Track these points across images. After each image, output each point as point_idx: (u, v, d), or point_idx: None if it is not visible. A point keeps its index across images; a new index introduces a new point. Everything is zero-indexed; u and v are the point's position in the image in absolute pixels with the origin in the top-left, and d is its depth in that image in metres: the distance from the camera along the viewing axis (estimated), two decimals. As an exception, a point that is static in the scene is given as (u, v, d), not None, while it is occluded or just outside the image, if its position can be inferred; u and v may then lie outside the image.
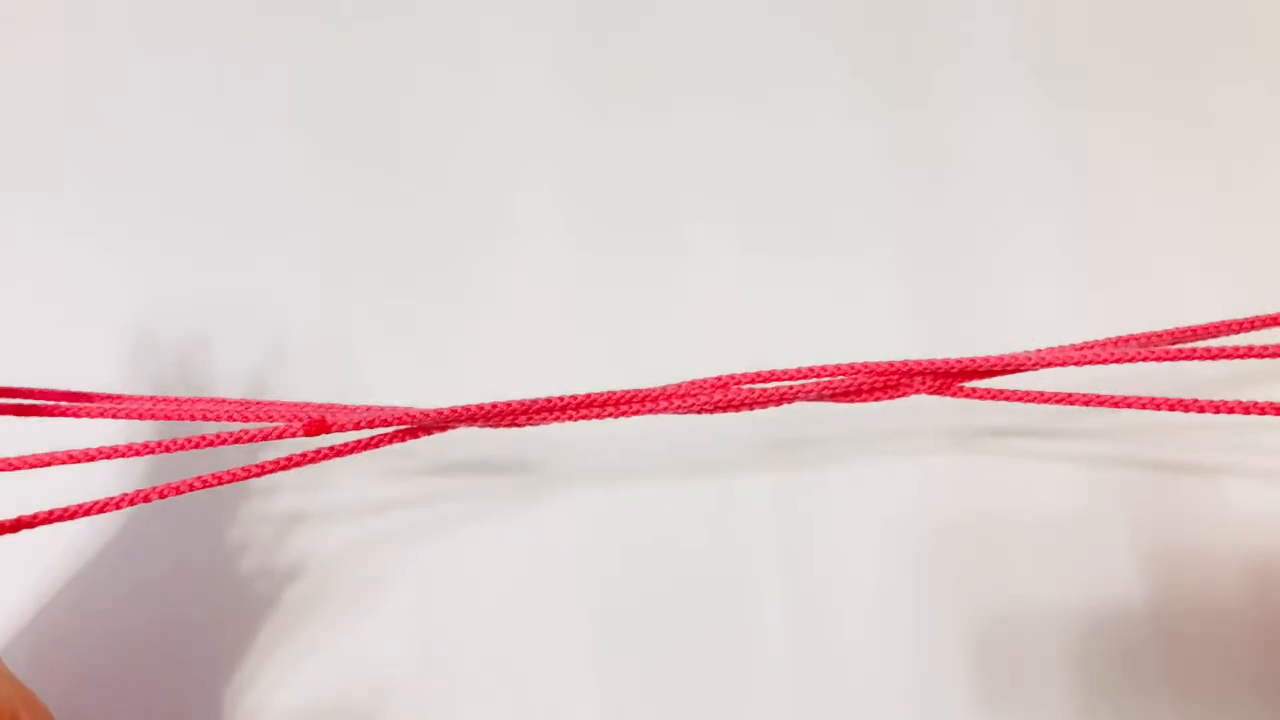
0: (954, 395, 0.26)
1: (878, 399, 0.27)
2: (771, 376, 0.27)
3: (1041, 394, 0.26)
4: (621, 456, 0.45)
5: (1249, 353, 0.25)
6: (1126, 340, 0.27)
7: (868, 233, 0.50)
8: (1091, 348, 0.25)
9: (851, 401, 0.27)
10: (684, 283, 0.50)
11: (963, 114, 0.53)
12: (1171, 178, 0.49)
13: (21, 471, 0.29)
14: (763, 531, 0.42)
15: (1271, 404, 0.26)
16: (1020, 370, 0.25)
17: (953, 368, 0.25)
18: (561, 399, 0.28)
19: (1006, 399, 0.25)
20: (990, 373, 0.25)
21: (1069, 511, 0.40)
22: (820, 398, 0.27)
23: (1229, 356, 0.25)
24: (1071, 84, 0.53)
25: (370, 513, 0.44)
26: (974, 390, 0.26)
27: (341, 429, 0.26)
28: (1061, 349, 0.25)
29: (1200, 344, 0.26)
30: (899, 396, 0.26)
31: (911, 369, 0.26)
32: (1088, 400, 0.25)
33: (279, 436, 0.26)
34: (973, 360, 0.24)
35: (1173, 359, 0.25)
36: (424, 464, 0.46)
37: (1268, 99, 0.51)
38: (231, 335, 0.49)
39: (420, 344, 0.50)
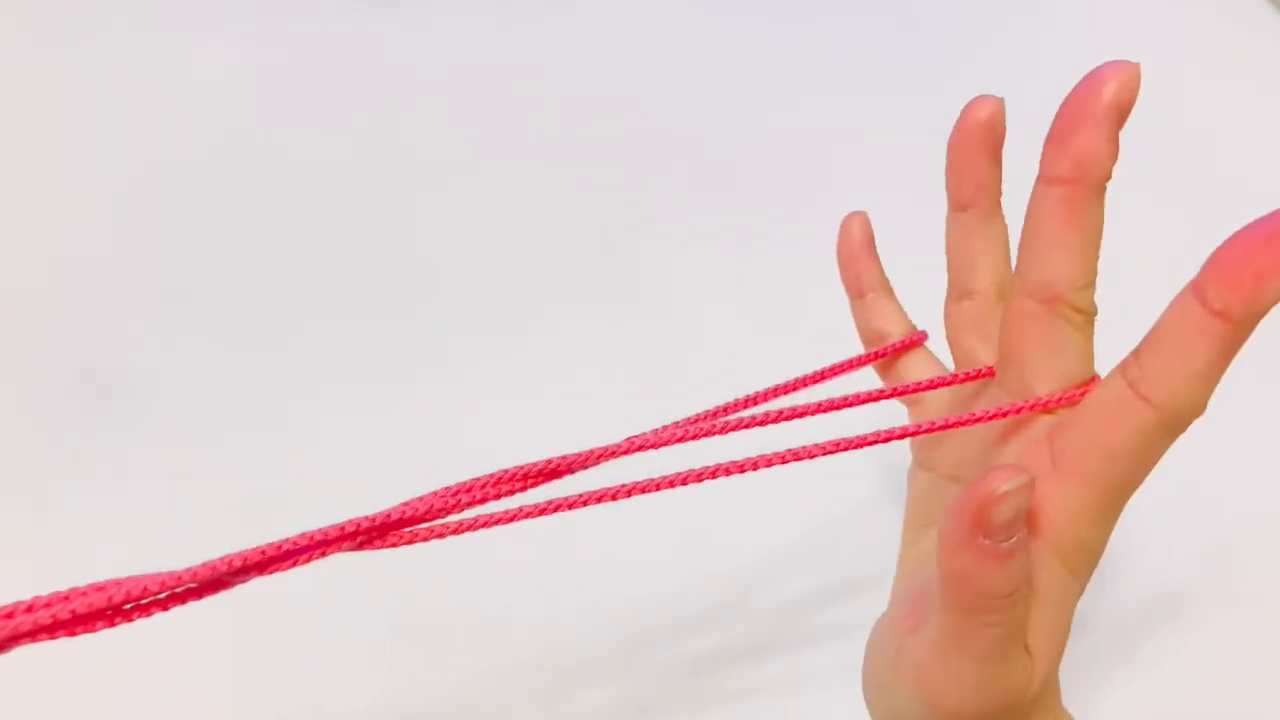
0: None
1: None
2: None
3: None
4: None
5: (793, 414, 0.25)
6: (678, 424, 0.25)
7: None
8: (643, 436, 0.24)
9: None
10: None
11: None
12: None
13: None
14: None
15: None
16: (577, 469, 0.23)
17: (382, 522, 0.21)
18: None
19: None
20: (538, 478, 0.23)
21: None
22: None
23: (760, 424, 0.25)
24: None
25: None
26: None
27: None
28: (624, 441, 0.23)
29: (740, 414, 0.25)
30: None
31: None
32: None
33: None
34: (521, 468, 0.22)
35: (719, 433, 0.25)
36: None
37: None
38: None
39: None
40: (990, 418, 0.25)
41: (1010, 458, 0.25)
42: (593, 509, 0.23)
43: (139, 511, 0.44)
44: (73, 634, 0.19)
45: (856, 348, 0.33)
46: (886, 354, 0.31)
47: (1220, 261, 0.21)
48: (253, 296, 0.53)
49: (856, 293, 0.32)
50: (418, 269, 0.55)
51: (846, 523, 0.45)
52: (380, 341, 0.51)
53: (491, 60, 0.66)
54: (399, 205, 0.58)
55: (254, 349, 0.51)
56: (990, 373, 0.27)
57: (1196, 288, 0.21)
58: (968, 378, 0.27)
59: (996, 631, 0.22)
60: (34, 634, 0.18)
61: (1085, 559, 0.24)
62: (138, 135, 0.61)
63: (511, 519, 0.23)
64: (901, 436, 0.25)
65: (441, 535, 0.22)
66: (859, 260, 0.32)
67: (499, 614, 0.42)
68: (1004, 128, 0.27)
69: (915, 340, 0.31)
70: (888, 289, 0.32)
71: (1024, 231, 0.25)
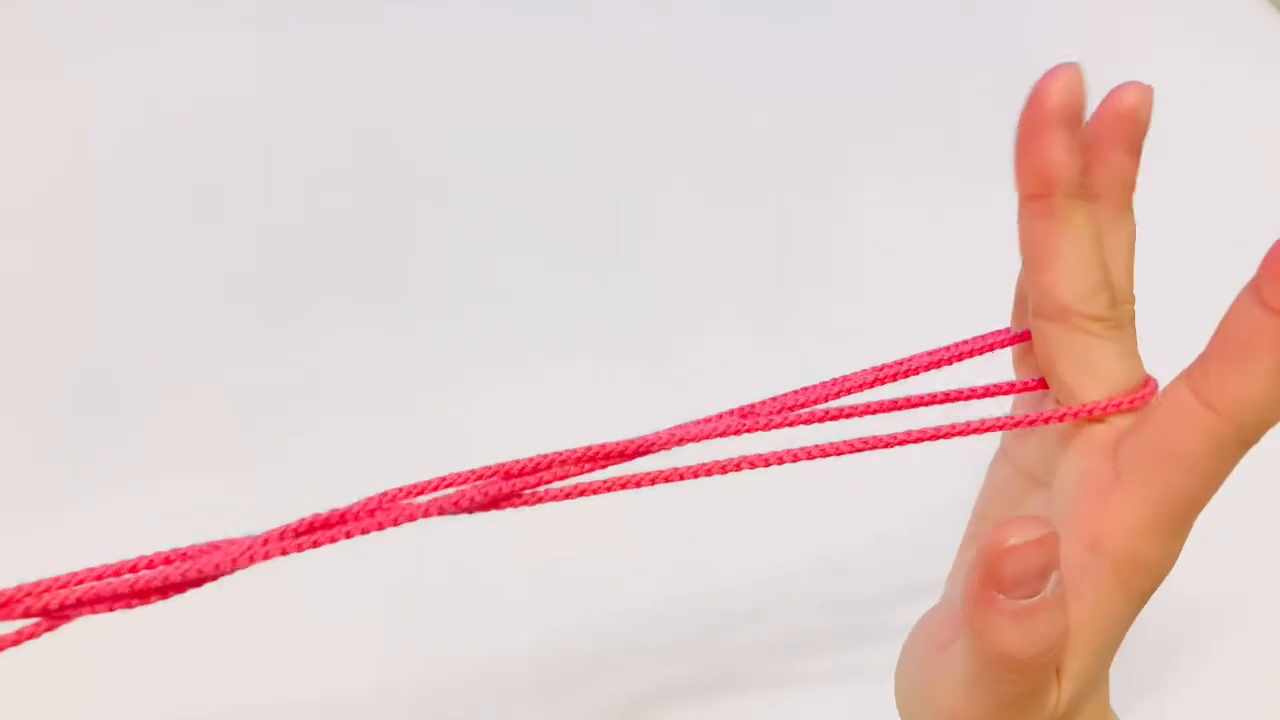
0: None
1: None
2: None
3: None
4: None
5: (895, 405, 0.24)
6: (751, 410, 0.24)
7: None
8: (720, 419, 0.24)
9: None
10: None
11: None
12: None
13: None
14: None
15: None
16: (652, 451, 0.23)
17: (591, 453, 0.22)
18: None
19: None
20: (625, 455, 0.23)
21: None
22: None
23: (855, 415, 0.24)
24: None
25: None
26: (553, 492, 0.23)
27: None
28: (691, 424, 0.24)
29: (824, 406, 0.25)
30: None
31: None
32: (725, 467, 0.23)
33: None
34: (603, 446, 0.23)
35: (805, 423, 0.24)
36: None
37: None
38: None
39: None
40: (1032, 422, 0.24)
41: (1077, 468, 0.24)
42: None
43: (139, 511, 0.44)
44: (145, 602, 0.19)
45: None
46: (1000, 344, 0.28)
47: (1276, 259, 0.20)
48: (253, 296, 0.53)
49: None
50: (418, 268, 0.55)
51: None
52: (381, 341, 0.51)
53: (492, 60, 0.66)
54: (399, 205, 0.58)
55: (254, 348, 0.51)
56: (1042, 384, 0.26)
57: (1255, 288, 0.20)
58: (1023, 388, 0.26)
59: (1018, 690, 0.21)
60: (97, 603, 0.18)
61: (1146, 578, 0.22)
62: (137, 135, 0.61)
63: (596, 491, 0.23)
64: (938, 437, 0.24)
65: (529, 502, 0.23)
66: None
67: (499, 611, 0.42)
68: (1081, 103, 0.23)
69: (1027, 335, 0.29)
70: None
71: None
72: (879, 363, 0.26)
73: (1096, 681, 0.23)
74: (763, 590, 0.43)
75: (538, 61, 0.66)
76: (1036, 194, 0.23)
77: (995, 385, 0.26)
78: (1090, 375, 0.23)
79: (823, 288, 0.54)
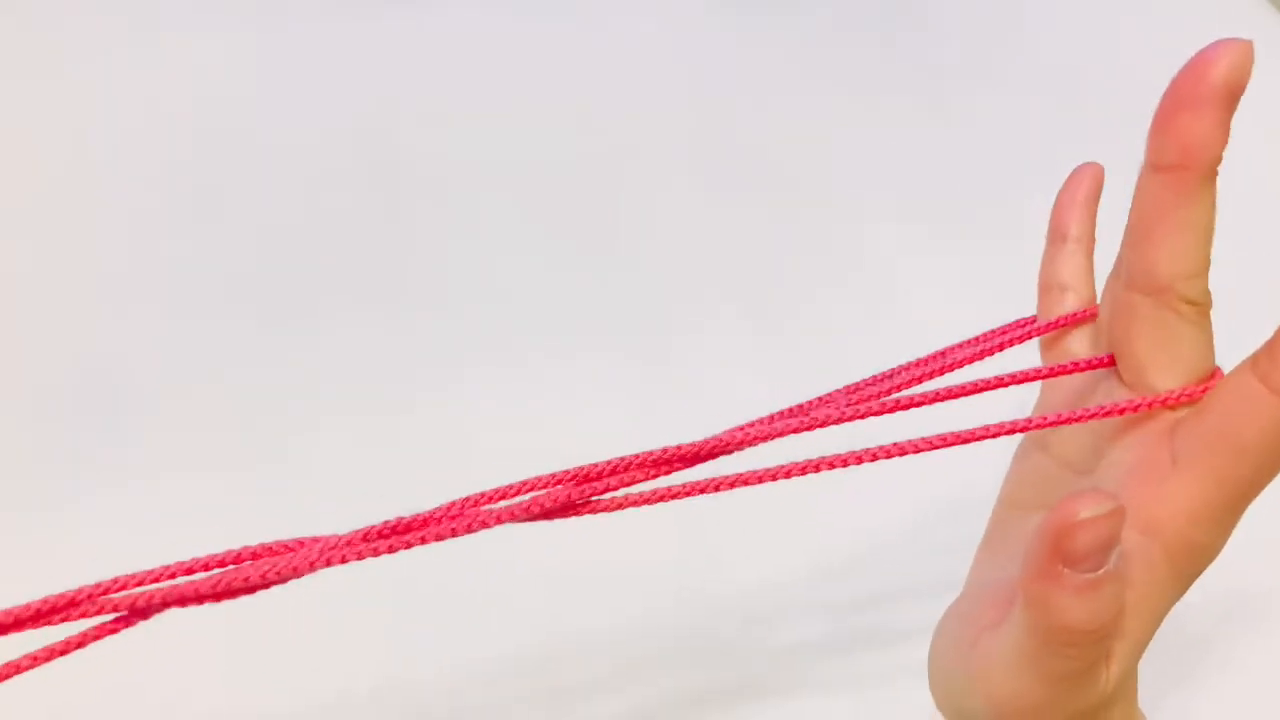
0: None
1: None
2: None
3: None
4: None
5: (975, 388, 0.24)
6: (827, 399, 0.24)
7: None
8: (786, 416, 0.23)
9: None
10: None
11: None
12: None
13: None
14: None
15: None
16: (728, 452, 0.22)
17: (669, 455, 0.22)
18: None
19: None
20: (697, 458, 0.23)
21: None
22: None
23: (947, 398, 0.23)
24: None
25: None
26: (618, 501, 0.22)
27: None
28: (759, 423, 0.23)
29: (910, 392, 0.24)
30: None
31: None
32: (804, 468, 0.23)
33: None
34: (676, 450, 0.22)
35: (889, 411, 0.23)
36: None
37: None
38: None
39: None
40: (1107, 413, 0.23)
41: (1130, 453, 0.24)
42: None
43: (139, 511, 0.44)
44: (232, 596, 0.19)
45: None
46: (1063, 324, 0.28)
47: None
48: (253, 296, 0.53)
49: (1059, 236, 0.29)
50: (418, 268, 0.55)
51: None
52: (381, 341, 0.51)
53: (492, 60, 0.66)
54: (399, 205, 0.58)
55: (254, 348, 0.51)
56: (1111, 361, 0.25)
57: None
58: (1087, 366, 0.26)
59: (1075, 665, 0.21)
60: (182, 601, 0.18)
61: (1197, 562, 0.22)
62: (137, 135, 0.61)
63: (674, 496, 0.23)
64: (1011, 432, 0.24)
65: (607, 509, 0.22)
66: (1077, 207, 0.29)
67: (502, 615, 0.42)
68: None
69: (1088, 315, 0.29)
70: (1090, 244, 0.29)
71: (1129, 221, 0.24)
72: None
73: (1136, 663, 0.23)
74: (768, 594, 0.43)
75: (538, 61, 0.66)
76: (1173, 165, 0.22)
77: (1060, 365, 0.26)
78: (1169, 357, 0.23)
79: (824, 287, 0.54)
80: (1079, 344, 0.28)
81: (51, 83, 0.63)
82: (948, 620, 0.26)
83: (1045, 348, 0.28)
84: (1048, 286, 0.29)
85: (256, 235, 0.56)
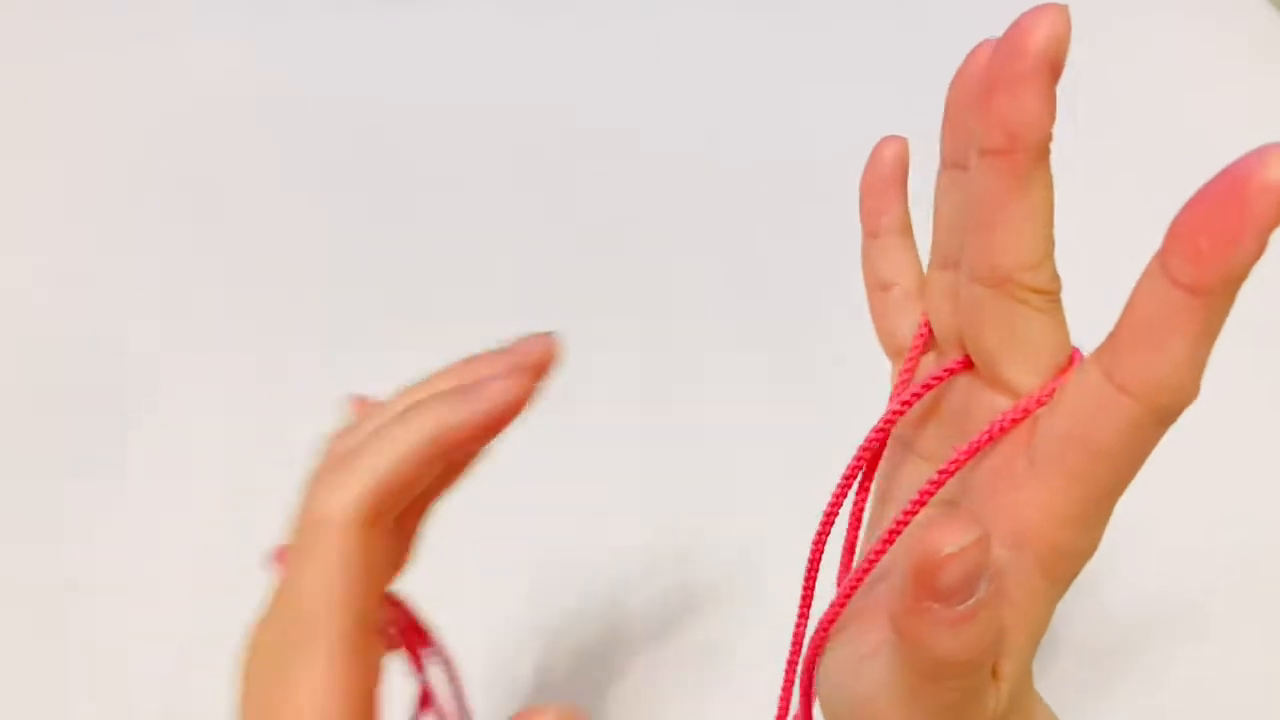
0: None
1: None
2: None
3: None
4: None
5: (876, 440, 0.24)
6: None
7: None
8: None
9: None
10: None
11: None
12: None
13: None
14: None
15: None
16: None
17: None
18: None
19: None
20: None
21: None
22: None
23: None
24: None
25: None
26: None
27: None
28: None
29: None
30: None
31: None
32: None
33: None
34: None
35: None
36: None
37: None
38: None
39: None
40: (993, 437, 0.22)
41: (983, 452, 0.22)
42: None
43: (140, 511, 0.44)
44: None
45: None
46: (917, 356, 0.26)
47: (1181, 230, 0.18)
48: (253, 296, 0.53)
49: (872, 230, 0.27)
50: (418, 268, 0.55)
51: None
52: (382, 341, 0.51)
53: (493, 60, 0.66)
54: (398, 204, 0.58)
55: (254, 348, 0.51)
56: (968, 363, 0.24)
57: (1161, 262, 0.18)
58: (947, 374, 0.24)
59: (958, 695, 0.20)
60: None
61: (1071, 565, 0.21)
62: (137, 134, 0.61)
63: None
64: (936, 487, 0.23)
65: None
66: (884, 193, 0.27)
67: (492, 599, 0.42)
68: None
69: (926, 333, 0.26)
70: (908, 232, 0.27)
71: (965, 212, 0.22)
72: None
73: (1028, 670, 0.23)
74: (743, 579, 0.43)
75: (538, 61, 0.66)
76: (1000, 150, 0.20)
77: (922, 384, 0.24)
78: (1020, 349, 0.22)
79: (825, 287, 0.54)
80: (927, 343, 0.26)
81: (52, 83, 0.64)
82: (834, 641, 0.25)
83: (892, 355, 0.27)
84: (871, 284, 0.28)
85: (257, 234, 0.56)
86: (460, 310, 0.53)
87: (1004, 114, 0.20)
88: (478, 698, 0.40)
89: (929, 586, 0.18)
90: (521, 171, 0.60)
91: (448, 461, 0.25)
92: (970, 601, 0.18)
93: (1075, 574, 0.22)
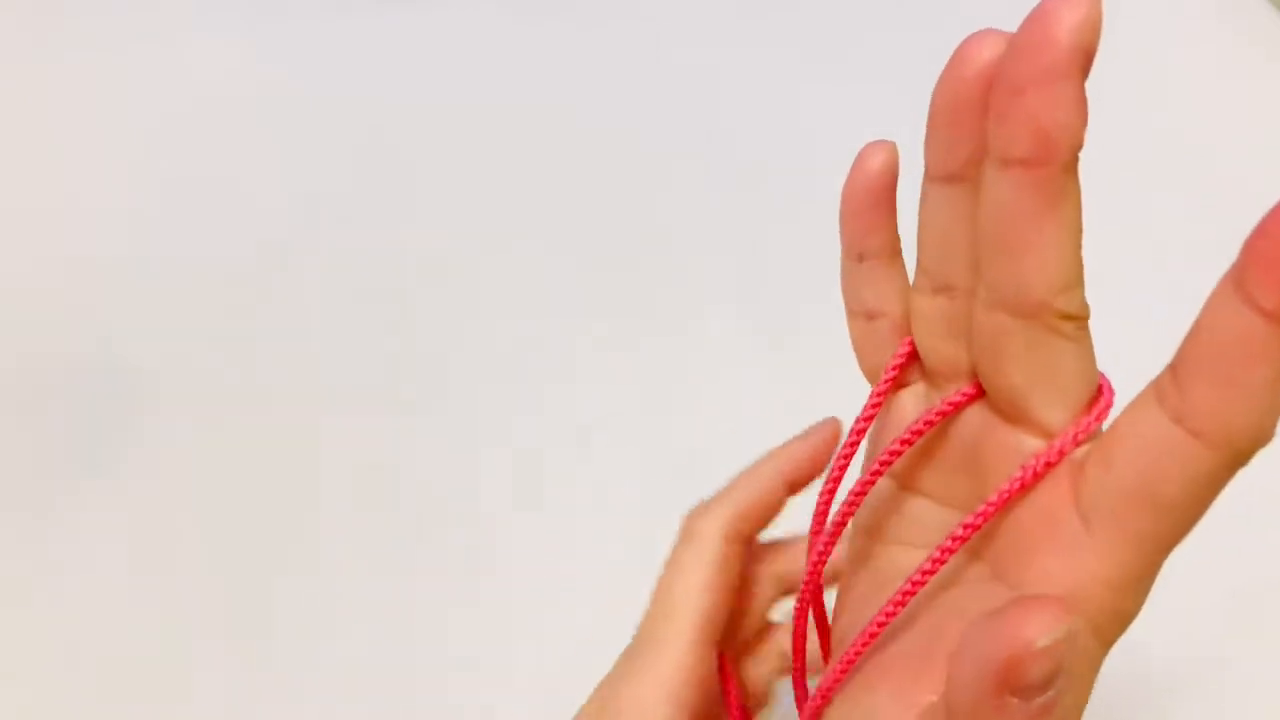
0: None
1: None
2: None
3: None
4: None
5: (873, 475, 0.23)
6: None
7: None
8: None
9: None
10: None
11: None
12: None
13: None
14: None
15: None
16: None
17: None
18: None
19: None
20: None
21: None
22: None
23: None
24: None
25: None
26: None
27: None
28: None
29: None
30: None
31: None
32: None
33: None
34: None
35: None
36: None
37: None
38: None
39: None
40: (1025, 485, 0.20)
41: (1026, 510, 0.20)
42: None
43: (139, 511, 0.44)
44: None
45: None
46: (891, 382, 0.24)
47: (1260, 245, 0.15)
48: (253, 296, 0.53)
49: (856, 253, 0.24)
50: (417, 267, 0.55)
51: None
52: (381, 341, 0.51)
53: (492, 60, 0.66)
54: (398, 204, 0.58)
55: (255, 348, 0.51)
56: (978, 394, 0.21)
57: (1237, 283, 0.16)
58: (954, 408, 0.22)
59: None
60: None
61: (1122, 627, 0.19)
62: (137, 134, 0.61)
63: None
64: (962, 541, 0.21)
65: None
66: (871, 210, 0.23)
67: (497, 626, 0.42)
68: None
69: (909, 353, 0.24)
70: (897, 255, 0.23)
71: (983, 228, 0.19)
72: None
73: None
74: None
75: (537, 61, 0.66)
76: (1029, 160, 0.17)
77: (927, 418, 0.22)
78: (1051, 383, 0.19)
79: (826, 288, 0.54)
80: (906, 371, 0.24)
81: (52, 83, 0.64)
82: (835, 699, 0.22)
83: (862, 354, 0.25)
84: (854, 311, 0.25)
85: (256, 235, 0.56)
86: (460, 309, 0.53)
87: (1036, 116, 0.17)
88: (475, 691, 0.40)
89: (1009, 682, 0.16)
90: (521, 171, 0.60)
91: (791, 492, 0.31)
92: (1051, 693, 0.16)
93: (1123, 630, 0.20)
